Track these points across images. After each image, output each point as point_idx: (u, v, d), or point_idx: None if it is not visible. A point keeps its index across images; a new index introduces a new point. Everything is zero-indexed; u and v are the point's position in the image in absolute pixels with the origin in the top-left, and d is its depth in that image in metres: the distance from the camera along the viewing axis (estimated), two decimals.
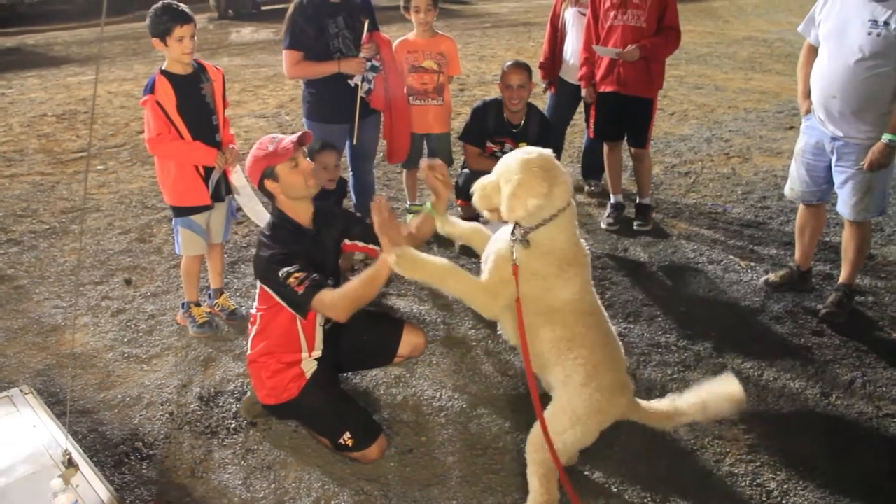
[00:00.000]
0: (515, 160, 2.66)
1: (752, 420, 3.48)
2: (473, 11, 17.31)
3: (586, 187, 6.32)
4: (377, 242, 3.17)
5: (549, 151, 2.70)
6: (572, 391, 2.68)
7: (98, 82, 10.24)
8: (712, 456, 3.27)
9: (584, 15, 5.62)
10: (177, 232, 4.13)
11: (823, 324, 4.27)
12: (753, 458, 3.25)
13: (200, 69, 3.97)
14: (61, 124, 8.53)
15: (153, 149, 3.91)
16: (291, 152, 3.03)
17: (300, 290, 2.92)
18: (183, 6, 3.82)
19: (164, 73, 3.85)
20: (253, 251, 4.82)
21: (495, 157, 5.04)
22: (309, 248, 3.13)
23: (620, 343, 2.87)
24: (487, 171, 4.91)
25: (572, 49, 5.79)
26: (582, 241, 2.81)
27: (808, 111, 4.21)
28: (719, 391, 2.72)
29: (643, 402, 2.79)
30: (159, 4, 3.78)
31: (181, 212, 4.05)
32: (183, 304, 4.32)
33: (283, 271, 2.94)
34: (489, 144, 5.03)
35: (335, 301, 2.91)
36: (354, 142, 4.79)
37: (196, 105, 3.92)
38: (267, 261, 3.02)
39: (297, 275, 2.93)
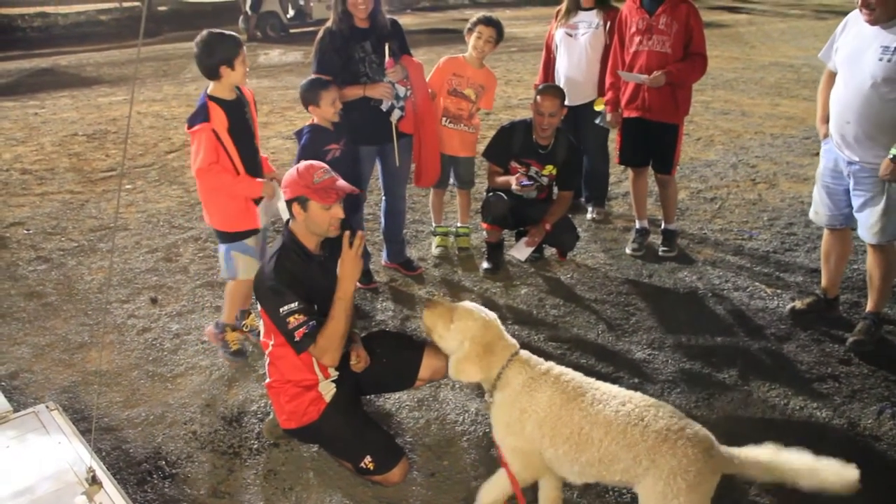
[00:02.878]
0: (472, 327, 2.87)
1: None
2: None
3: (589, 215, 6.28)
4: None
5: (487, 320, 2.90)
6: (643, 487, 2.58)
7: (127, 102, 10.39)
8: (737, 487, 3.22)
9: (571, 36, 5.70)
10: (228, 258, 4.02)
11: (851, 352, 4.22)
12: (779, 489, 3.19)
13: (239, 93, 3.94)
14: (92, 144, 8.66)
15: (201, 179, 3.82)
16: (332, 202, 3.06)
17: (298, 337, 3.02)
18: (231, 33, 3.80)
19: (212, 98, 3.78)
20: None
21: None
22: (315, 274, 3.16)
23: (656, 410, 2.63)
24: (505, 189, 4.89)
25: (562, 69, 5.83)
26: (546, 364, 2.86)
27: (826, 135, 4.22)
28: (834, 468, 2.51)
29: (737, 451, 2.58)
30: (216, 32, 3.75)
31: (234, 237, 3.95)
32: (218, 323, 4.26)
33: (283, 309, 3.01)
34: (514, 165, 5.03)
35: (325, 349, 3.08)
36: (398, 163, 4.83)
37: (243, 128, 3.90)
38: (267, 294, 3.07)
39: (297, 316, 3.01)
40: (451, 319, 2.91)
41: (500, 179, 5.01)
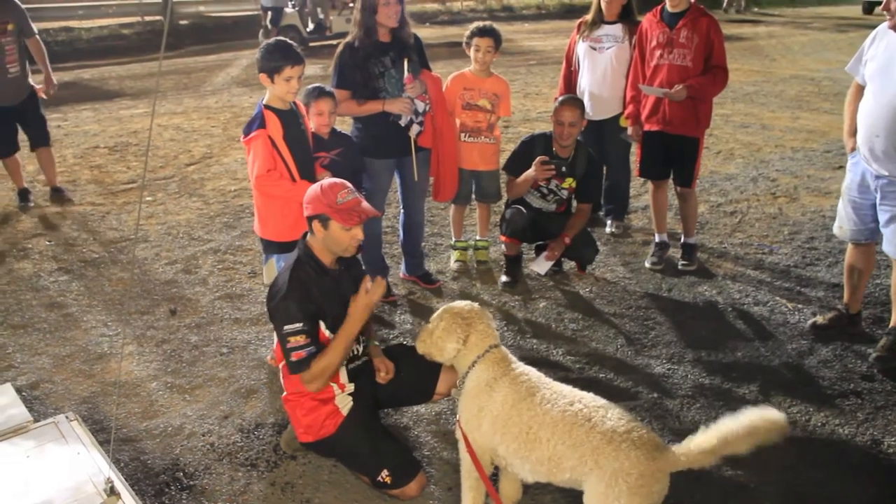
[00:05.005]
0: (442, 309, 3.05)
1: (801, 467, 3.40)
2: (519, 49, 17.41)
3: (608, 229, 6.25)
4: None
5: (469, 303, 3.04)
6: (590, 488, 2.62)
7: (148, 115, 10.45)
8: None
9: (595, 49, 5.67)
10: (280, 268, 4.02)
11: (874, 368, 4.17)
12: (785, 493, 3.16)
13: (293, 105, 3.97)
14: (113, 156, 8.73)
15: (261, 187, 3.82)
16: (353, 223, 3.07)
17: (294, 357, 3.04)
18: (296, 46, 3.82)
19: (267, 107, 3.83)
20: None
21: (541, 192, 5.04)
22: (328, 289, 3.16)
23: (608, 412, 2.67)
24: (524, 203, 4.88)
25: (586, 83, 5.81)
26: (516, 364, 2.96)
27: (854, 149, 4.18)
28: (762, 417, 2.50)
29: (681, 448, 2.59)
30: (272, 41, 3.81)
31: (287, 247, 3.84)
32: None
33: (288, 327, 3.03)
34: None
35: (315, 377, 3.08)
36: (416, 178, 4.84)
37: (299, 138, 3.93)
38: (276, 308, 3.08)
39: (298, 338, 3.03)
40: (431, 332, 3.04)
41: (520, 179, 4.97)
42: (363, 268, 3.54)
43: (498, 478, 3.14)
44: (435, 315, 3.07)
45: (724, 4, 26.18)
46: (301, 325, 3.03)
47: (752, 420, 2.48)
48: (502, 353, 2.96)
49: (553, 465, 2.67)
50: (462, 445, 2.95)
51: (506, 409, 2.79)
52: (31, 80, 6.72)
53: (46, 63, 6.89)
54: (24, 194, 7.02)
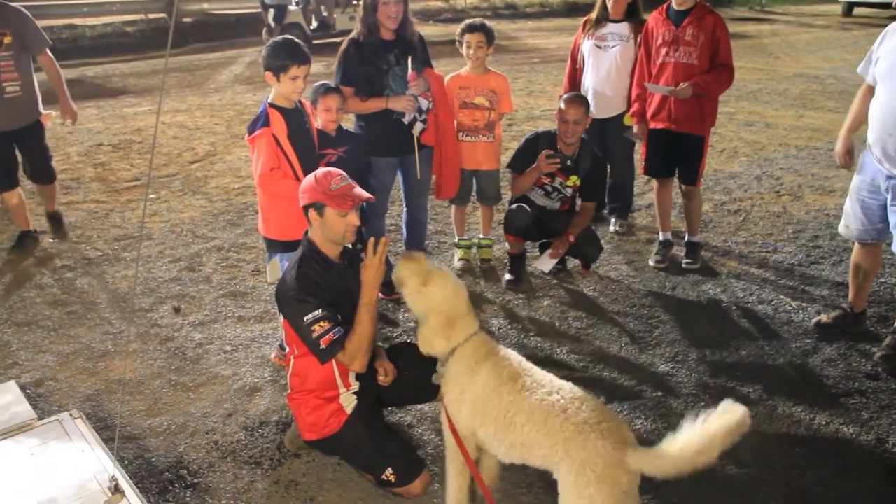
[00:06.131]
0: (440, 299, 2.98)
1: (805, 465, 3.39)
2: (522, 47, 17.40)
3: (612, 227, 6.25)
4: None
5: (463, 292, 3.04)
6: (562, 472, 2.64)
7: (151, 113, 10.46)
8: (762, 503, 3.19)
9: (600, 48, 5.66)
10: (284, 267, 3.91)
11: (878, 367, 4.16)
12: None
13: (298, 104, 3.97)
14: (117, 153, 8.74)
15: (264, 184, 3.82)
16: (347, 208, 3.07)
17: (324, 344, 3.01)
18: (302, 45, 3.82)
19: (272, 105, 3.82)
20: None
21: (545, 190, 5.03)
22: (335, 283, 3.16)
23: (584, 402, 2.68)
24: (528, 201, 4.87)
25: (590, 81, 5.80)
26: (504, 351, 2.99)
27: (846, 148, 4.26)
28: (723, 422, 2.36)
29: (650, 450, 2.51)
30: (280, 39, 3.81)
31: (290, 246, 3.81)
32: (282, 346, 4.18)
33: (308, 317, 3.01)
34: (540, 176, 5.00)
35: (354, 355, 3.07)
36: (419, 175, 4.84)
37: (304, 136, 3.93)
38: (290, 303, 3.07)
39: (322, 324, 3.01)
40: (425, 282, 3.00)
41: (525, 173, 4.95)
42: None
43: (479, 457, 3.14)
44: (430, 287, 3.00)
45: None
46: (320, 311, 3.01)
47: (712, 428, 2.36)
48: (482, 338, 3.00)
49: (525, 451, 2.72)
50: (446, 429, 2.98)
51: (486, 391, 2.83)
52: (41, 106, 5.73)
53: (62, 86, 5.82)
54: (23, 237, 6.01)
